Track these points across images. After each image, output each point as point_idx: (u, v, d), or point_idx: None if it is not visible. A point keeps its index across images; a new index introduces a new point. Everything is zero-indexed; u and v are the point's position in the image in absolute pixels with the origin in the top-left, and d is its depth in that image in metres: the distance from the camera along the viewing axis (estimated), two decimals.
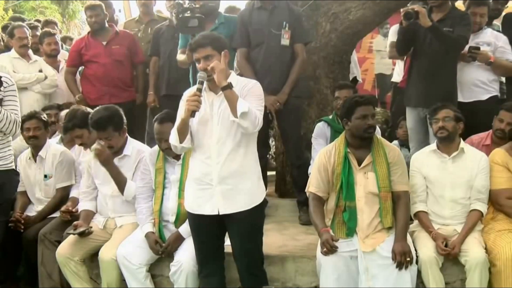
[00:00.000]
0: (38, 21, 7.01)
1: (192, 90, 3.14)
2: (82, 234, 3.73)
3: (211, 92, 3.15)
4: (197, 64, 3.14)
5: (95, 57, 5.40)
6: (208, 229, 3.22)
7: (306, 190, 3.62)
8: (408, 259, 3.26)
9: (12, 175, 4.00)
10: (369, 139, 3.50)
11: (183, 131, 3.09)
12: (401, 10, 4.22)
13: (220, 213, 3.14)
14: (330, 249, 3.25)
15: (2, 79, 3.75)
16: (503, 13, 5.29)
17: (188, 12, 4.21)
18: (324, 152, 3.59)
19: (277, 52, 4.41)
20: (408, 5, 4.61)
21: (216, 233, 3.27)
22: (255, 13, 4.51)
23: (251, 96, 3.12)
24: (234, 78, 3.16)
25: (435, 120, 3.70)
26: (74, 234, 3.72)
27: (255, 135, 3.19)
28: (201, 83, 3.04)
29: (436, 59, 4.31)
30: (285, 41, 4.41)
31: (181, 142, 3.10)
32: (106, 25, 5.54)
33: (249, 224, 3.20)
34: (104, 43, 5.42)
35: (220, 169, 3.10)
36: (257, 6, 4.52)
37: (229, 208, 3.13)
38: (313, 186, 3.54)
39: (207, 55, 3.07)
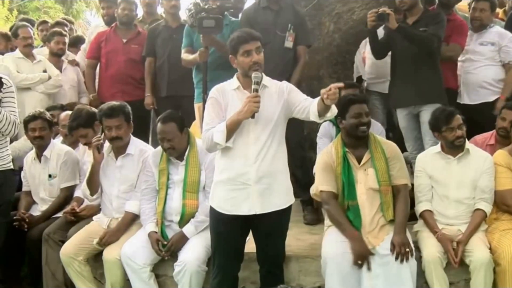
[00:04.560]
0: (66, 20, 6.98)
1: (223, 86, 3.18)
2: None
3: (246, 91, 3.11)
4: (238, 57, 3.09)
5: (111, 52, 5.40)
6: (234, 230, 3.19)
7: (315, 192, 3.61)
8: (407, 249, 3.26)
9: (10, 176, 3.98)
10: (365, 137, 3.51)
11: (235, 130, 3.04)
12: (369, 12, 4.24)
13: (258, 213, 3.10)
14: (363, 262, 3.25)
15: (2, 80, 3.75)
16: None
17: (204, 12, 4.17)
18: (325, 152, 3.62)
19: (280, 54, 4.38)
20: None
21: (240, 234, 3.25)
22: (261, 13, 4.47)
23: (295, 91, 3.16)
24: (266, 79, 3.14)
25: (450, 129, 3.59)
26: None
27: (284, 132, 3.19)
28: (257, 83, 3.01)
29: (416, 58, 4.28)
30: (289, 43, 4.39)
31: (227, 141, 3.04)
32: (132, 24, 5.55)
33: (282, 222, 3.22)
34: (124, 40, 5.41)
35: (258, 168, 3.07)
36: (262, 6, 4.48)
37: (266, 207, 3.11)
38: (323, 184, 3.52)
39: (258, 47, 3.09)
